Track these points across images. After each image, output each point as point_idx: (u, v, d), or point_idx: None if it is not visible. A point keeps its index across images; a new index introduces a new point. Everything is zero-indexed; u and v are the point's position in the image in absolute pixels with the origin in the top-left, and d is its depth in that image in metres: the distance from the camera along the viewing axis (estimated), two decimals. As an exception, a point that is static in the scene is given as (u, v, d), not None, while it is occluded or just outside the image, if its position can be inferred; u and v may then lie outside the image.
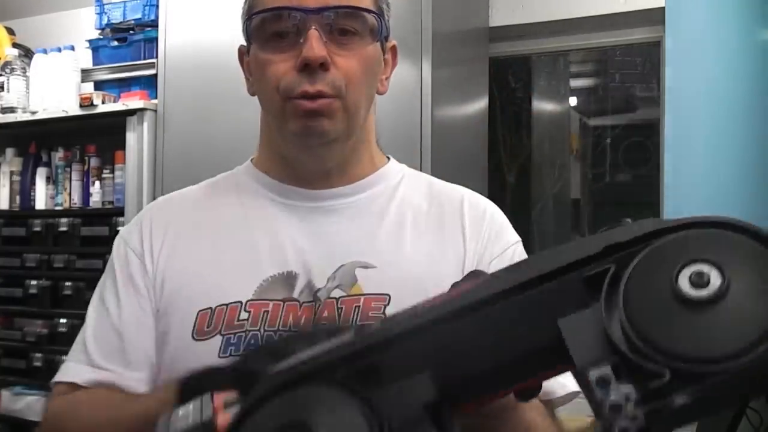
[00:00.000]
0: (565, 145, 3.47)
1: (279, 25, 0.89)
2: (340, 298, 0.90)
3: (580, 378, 0.50)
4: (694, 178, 2.61)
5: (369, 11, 0.91)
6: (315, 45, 0.86)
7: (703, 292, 0.48)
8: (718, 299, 0.47)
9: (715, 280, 0.48)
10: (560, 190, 3.39)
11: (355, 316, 0.89)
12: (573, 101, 3.49)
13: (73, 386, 0.93)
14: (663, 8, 2.73)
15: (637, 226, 0.55)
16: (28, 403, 3.04)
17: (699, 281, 0.48)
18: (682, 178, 2.64)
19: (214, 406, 0.59)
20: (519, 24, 3.14)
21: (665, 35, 2.80)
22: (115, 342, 0.93)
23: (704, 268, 0.49)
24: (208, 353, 0.87)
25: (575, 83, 3.51)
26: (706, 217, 0.53)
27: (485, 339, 0.54)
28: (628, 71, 3.43)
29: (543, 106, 3.52)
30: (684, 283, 0.49)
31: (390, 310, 0.89)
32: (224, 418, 0.58)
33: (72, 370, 0.94)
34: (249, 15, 0.93)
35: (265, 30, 0.91)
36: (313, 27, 0.87)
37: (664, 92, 2.84)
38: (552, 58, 3.43)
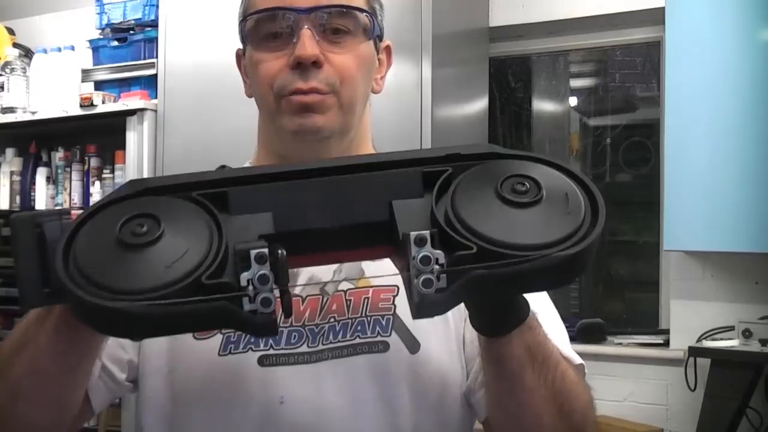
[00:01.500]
0: (565, 145, 3.47)
1: (272, 25, 0.90)
2: (348, 290, 0.90)
3: (403, 241, 0.59)
4: (694, 178, 2.61)
5: (361, 10, 0.92)
6: (307, 44, 0.87)
7: (521, 198, 0.60)
8: (532, 205, 0.60)
9: (533, 191, 0.60)
10: (560, 190, 3.38)
11: (364, 308, 0.89)
12: (573, 101, 3.49)
13: None
14: (663, 8, 2.74)
15: (477, 146, 0.67)
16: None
17: (520, 189, 0.61)
18: (682, 178, 2.64)
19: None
20: (519, 24, 3.14)
21: (665, 35, 2.80)
22: None
23: (526, 181, 0.61)
24: (209, 352, 0.87)
25: (575, 83, 3.51)
26: (534, 154, 0.66)
27: (325, 202, 0.63)
28: (628, 71, 3.43)
29: (543, 106, 3.52)
30: (507, 187, 0.61)
31: (399, 301, 0.89)
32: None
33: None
34: (244, 17, 0.94)
35: (259, 31, 0.91)
36: (306, 26, 0.88)
37: (664, 92, 2.84)
38: (552, 58, 3.43)
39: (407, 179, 0.64)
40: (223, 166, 0.74)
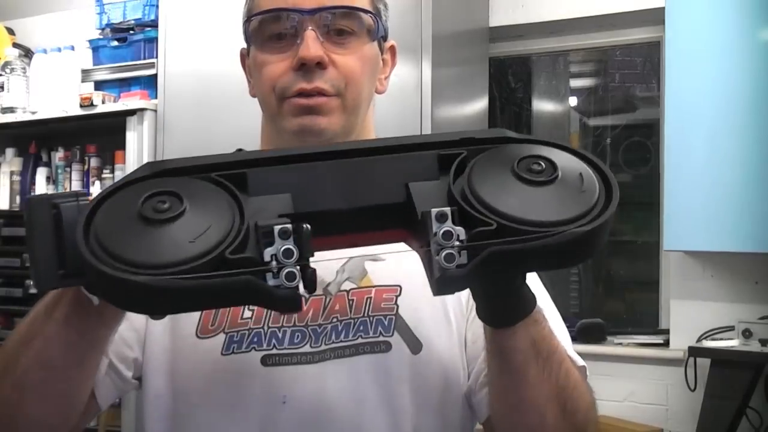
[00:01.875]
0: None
1: (277, 26, 0.90)
2: (351, 290, 0.90)
3: (423, 218, 0.60)
4: (694, 178, 2.61)
5: (365, 11, 0.92)
6: (311, 45, 0.87)
7: (538, 177, 0.61)
8: (548, 183, 0.61)
9: (549, 170, 0.62)
10: (560, 190, 3.38)
11: (367, 308, 0.89)
12: (573, 101, 3.49)
13: None
14: (663, 8, 2.74)
15: (491, 130, 0.68)
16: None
17: (536, 168, 0.62)
18: (682, 178, 2.64)
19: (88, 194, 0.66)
20: (519, 24, 3.14)
21: (665, 35, 2.80)
22: None
23: (542, 162, 0.62)
24: (212, 351, 0.87)
25: (575, 83, 3.51)
26: (547, 139, 0.67)
27: (343, 184, 0.64)
28: (628, 71, 3.43)
29: (543, 106, 3.52)
30: (523, 167, 0.62)
31: (402, 301, 0.90)
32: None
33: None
34: (248, 17, 0.93)
35: (263, 32, 0.91)
36: (310, 27, 0.88)
37: (664, 92, 2.84)
38: (552, 58, 3.43)
39: (423, 162, 0.64)
40: (240, 149, 0.74)
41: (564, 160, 0.63)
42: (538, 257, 0.60)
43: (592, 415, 0.83)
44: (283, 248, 0.58)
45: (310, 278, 0.61)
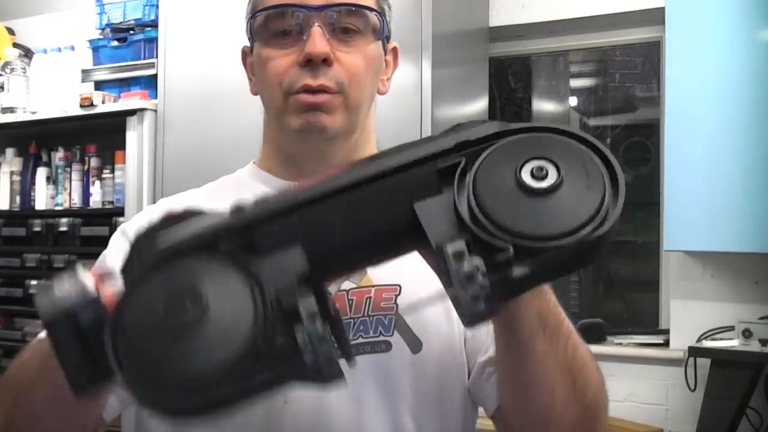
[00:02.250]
0: (565, 145, 3.47)
1: (282, 22, 0.90)
2: (350, 290, 0.90)
3: (438, 253, 0.58)
4: (694, 178, 2.61)
5: (371, 9, 0.92)
6: (318, 41, 0.87)
7: (543, 184, 0.58)
8: (554, 190, 0.58)
9: (552, 174, 0.58)
10: (560, 190, 3.39)
11: (366, 308, 0.89)
12: (573, 101, 3.49)
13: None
14: (663, 8, 2.74)
15: (484, 126, 0.63)
16: (28, 403, 3.04)
17: (539, 174, 0.58)
18: (682, 178, 2.64)
19: (93, 278, 0.62)
20: (519, 24, 3.14)
21: (665, 35, 2.80)
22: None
23: (543, 164, 0.59)
24: None
25: (575, 83, 3.51)
26: (542, 124, 0.63)
27: (348, 219, 0.62)
28: (628, 71, 3.43)
29: (543, 106, 3.52)
30: (526, 174, 0.59)
31: (401, 300, 0.89)
32: (108, 291, 0.60)
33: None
34: (252, 13, 0.93)
35: (269, 28, 0.91)
36: (316, 24, 0.88)
37: (664, 92, 2.84)
38: (552, 58, 3.43)
39: (423, 179, 0.62)
40: (238, 208, 0.65)
41: (565, 150, 0.61)
42: (557, 271, 0.60)
43: (602, 397, 0.82)
44: (316, 335, 0.55)
45: (346, 349, 0.61)
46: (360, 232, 0.62)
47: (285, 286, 0.57)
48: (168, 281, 0.57)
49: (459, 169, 0.61)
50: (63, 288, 0.61)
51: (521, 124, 0.63)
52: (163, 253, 0.59)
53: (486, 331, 0.88)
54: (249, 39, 0.96)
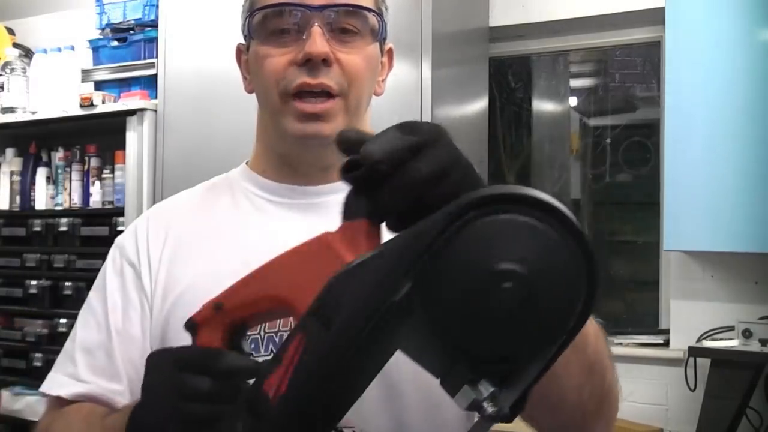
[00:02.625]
0: (565, 145, 3.47)
1: (281, 21, 0.90)
2: None
3: (444, 386, 0.56)
4: (694, 178, 2.61)
5: (370, 10, 0.91)
6: (318, 41, 0.87)
7: (512, 303, 0.51)
8: (524, 305, 0.52)
9: (516, 287, 0.51)
10: (560, 190, 3.39)
11: None
12: (573, 101, 3.49)
13: (61, 399, 0.94)
14: (663, 8, 2.74)
15: (450, 212, 0.53)
16: (28, 403, 3.04)
17: (506, 294, 0.51)
18: (682, 178, 2.64)
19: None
20: (519, 24, 3.14)
21: (665, 35, 2.80)
22: (101, 355, 0.93)
23: (508, 277, 0.51)
24: None
25: (575, 83, 3.51)
26: (505, 192, 0.54)
27: (343, 385, 0.58)
28: (628, 71, 3.43)
29: (543, 106, 3.52)
30: (494, 297, 0.52)
31: None
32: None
33: (57, 382, 0.94)
34: (251, 11, 0.93)
35: (267, 26, 0.91)
36: (316, 24, 0.87)
37: (664, 92, 2.84)
38: (552, 58, 3.43)
39: (389, 316, 0.56)
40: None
41: (534, 247, 0.52)
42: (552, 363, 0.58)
43: (615, 390, 0.84)
44: None
45: None
46: (358, 385, 0.60)
47: None
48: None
49: (417, 297, 0.54)
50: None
51: (491, 189, 0.54)
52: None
53: None
54: (245, 36, 0.96)
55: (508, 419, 0.56)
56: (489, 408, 0.54)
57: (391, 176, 0.56)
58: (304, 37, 0.88)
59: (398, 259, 0.54)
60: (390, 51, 1.00)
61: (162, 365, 0.68)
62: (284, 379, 0.57)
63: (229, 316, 0.66)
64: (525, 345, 0.54)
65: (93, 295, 0.98)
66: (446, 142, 0.58)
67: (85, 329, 0.96)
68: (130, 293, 0.94)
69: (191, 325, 0.67)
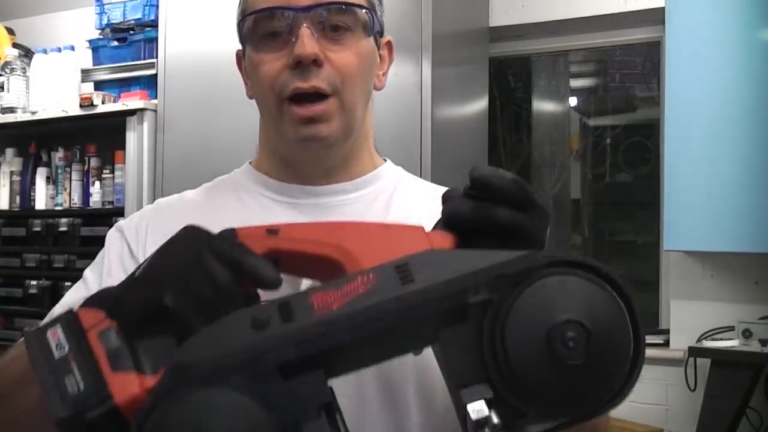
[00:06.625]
0: (565, 145, 3.47)
1: (271, 25, 0.89)
2: None
3: (453, 396, 0.57)
4: (694, 178, 2.62)
5: (360, 6, 0.91)
6: (307, 42, 0.86)
7: (574, 360, 0.56)
8: (579, 362, 0.56)
9: (581, 344, 0.56)
10: (560, 190, 3.39)
11: None
12: (573, 101, 3.49)
13: None
14: (663, 8, 2.74)
15: (518, 262, 0.59)
16: (28, 403, 3.04)
17: (571, 345, 0.56)
18: (682, 178, 2.65)
19: (101, 360, 0.60)
20: (519, 24, 3.14)
21: (665, 35, 2.80)
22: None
23: (575, 332, 0.56)
24: None
25: (575, 83, 3.51)
26: (573, 258, 0.60)
27: (374, 346, 0.60)
28: (628, 71, 3.43)
29: (543, 106, 3.52)
30: (558, 341, 0.56)
31: None
32: (120, 388, 0.59)
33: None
34: (242, 17, 0.93)
35: (258, 31, 0.90)
36: (305, 25, 0.87)
37: (664, 92, 2.84)
38: (552, 58, 3.44)
39: (451, 310, 0.59)
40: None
41: (596, 309, 0.58)
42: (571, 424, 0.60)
43: None
44: None
45: None
46: (383, 354, 0.62)
47: (304, 412, 0.57)
48: (187, 411, 0.56)
49: (489, 316, 0.59)
50: (71, 377, 0.59)
51: (556, 256, 0.60)
52: (188, 376, 0.58)
53: None
54: (240, 43, 0.96)
55: None
56: None
57: (506, 202, 0.64)
58: (293, 39, 0.87)
59: (488, 267, 0.59)
60: (389, 43, 0.99)
61: (196, 238, 0.66)
62: (340, 300, 0.58)
63: (276, 243, 0.65)
64: (570, 396, 0.57)
65: (88, 271, 0.97)
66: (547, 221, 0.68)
67: (73, 294, 0.94)
68: (127, 267, 0.93)
69: (230, 234, 0.65)
